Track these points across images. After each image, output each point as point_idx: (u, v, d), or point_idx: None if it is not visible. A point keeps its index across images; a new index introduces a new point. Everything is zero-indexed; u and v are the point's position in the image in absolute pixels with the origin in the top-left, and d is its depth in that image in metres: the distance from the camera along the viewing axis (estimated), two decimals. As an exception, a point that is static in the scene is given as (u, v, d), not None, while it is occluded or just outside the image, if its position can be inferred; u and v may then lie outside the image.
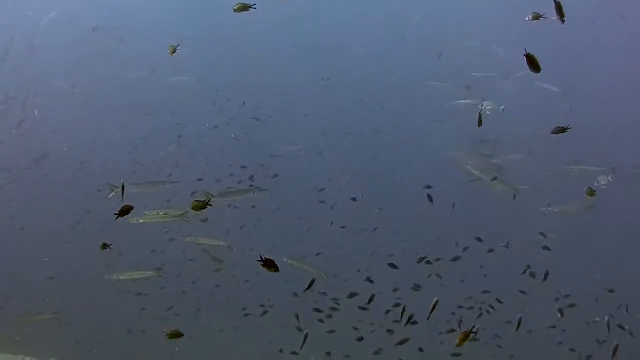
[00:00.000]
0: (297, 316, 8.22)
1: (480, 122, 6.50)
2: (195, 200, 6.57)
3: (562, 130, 6.41)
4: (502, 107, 9.01)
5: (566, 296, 9.42)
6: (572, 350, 9.09)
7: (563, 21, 4.95)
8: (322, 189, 11.60)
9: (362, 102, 14.62)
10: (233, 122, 13.15)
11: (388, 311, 8.88)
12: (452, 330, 8.01)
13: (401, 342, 7.93)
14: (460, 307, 9.86)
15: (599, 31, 13.92)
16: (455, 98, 11.30)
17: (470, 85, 11.61)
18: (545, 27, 5.65)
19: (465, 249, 9.21)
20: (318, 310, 9.06)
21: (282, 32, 16.72)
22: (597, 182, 8.75)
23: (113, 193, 7.48)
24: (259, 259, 4.90)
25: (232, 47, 16.05)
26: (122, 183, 7.69)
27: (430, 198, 9.40)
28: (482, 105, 9.05)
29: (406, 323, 7.39)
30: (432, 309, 6.72)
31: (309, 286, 7.43)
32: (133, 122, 14.25)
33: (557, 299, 9.39)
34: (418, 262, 8.58)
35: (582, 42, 14.02)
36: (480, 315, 9.32)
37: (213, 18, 15.61)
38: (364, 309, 8.67)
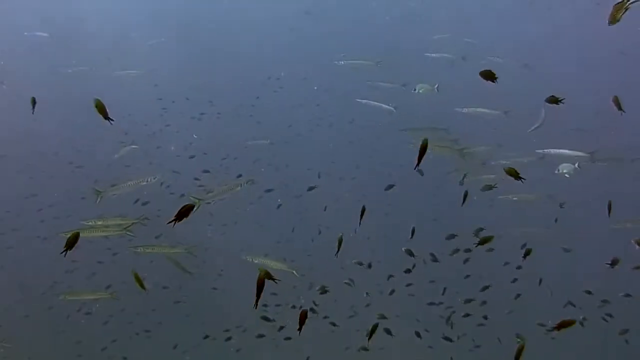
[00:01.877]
0: None
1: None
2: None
3: (556, 100, 5.90)
4: (436, 86, 8.60)
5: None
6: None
7: None
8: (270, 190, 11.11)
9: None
10: (183, 119, 12.36)
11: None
12: None
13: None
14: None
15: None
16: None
17: (380, 61, 10.96)
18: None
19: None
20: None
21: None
22: (559, 171, 8.50)
23: (99, 198, 7.07)
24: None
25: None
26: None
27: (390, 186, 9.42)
28: (415, 89, 8.66)
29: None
30: None
31: None
32: (75, 121, 13.18)
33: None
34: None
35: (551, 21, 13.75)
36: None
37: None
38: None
